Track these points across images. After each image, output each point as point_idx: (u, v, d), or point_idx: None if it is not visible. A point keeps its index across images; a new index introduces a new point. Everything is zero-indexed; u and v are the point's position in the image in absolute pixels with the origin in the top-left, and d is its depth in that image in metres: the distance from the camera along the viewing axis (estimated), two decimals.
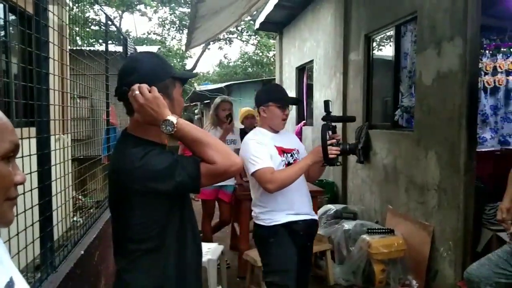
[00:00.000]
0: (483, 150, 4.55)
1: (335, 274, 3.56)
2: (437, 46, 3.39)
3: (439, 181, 3.35)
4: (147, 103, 1.24)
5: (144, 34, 22.24)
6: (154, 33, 22.10)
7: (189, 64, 21.89)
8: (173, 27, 21.32)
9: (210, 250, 3.31)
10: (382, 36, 4.90)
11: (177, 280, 1.37)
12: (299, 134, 7.34)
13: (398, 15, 4.10)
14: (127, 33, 18.23)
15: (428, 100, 3.53)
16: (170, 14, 20.93)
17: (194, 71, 21.74)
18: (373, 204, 4.63)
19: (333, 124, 2.19)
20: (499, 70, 5.35)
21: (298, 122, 7.85)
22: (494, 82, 5.34)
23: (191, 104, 15.96)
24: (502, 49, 5.37)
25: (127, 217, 1.32)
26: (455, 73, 3.15)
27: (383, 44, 5.23)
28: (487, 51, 5.35)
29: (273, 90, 2.51)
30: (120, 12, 19.74)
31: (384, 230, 3.64)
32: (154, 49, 11.30)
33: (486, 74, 5.34)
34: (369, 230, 3.63)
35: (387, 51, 4.90)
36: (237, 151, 4.13)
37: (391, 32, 4.45)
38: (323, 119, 2.20)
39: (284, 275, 2.21)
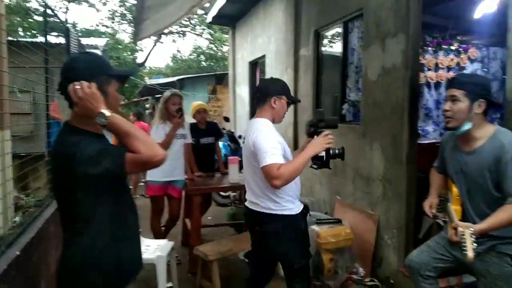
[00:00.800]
0: (425, 142, 4.80)
1: None
2: (381, 42, 3.51)
3: (384, 172, 3.49)
4: (85, 97, 1.45)
5: (92, 26, 21.36)
6: (103, 25, 21.27)
7: (140, 58, 21.26)
8: (123, 20, 20.61)
9: (159, 247, 3.25)
10: (331, 32, 5.01)
11: (112, 260, 1.57)
12: None
13: (346, 11, 4.20)
14: (73, 25, 17.42)
15: (373, 95, 3.66)
16: (120, 6, 20.22)
17: (145, 65, 21.23)
18: (322, 196, 4.75)
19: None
20: (440, 66, 5.64)
21: (251, 117, 7.86)
22: (436, 78, 5.64)
23: (142, 98, 15.55)
24: (443, 46, 5.66)
25: (64, 197, 1.54)
26: (398, 69, 3.29)
27: (332, 40, 5.36)
28: (429, 48, 5.62)
29: (286, 85, 2.52)
30: (66, 2, 18.79)
31: (332, 220, 3.74)
32: (102, 41, 10.85)
33: (429, 70, 5.61)
34: (318, 221, 3.71)
35: (336, 47, 5.02)
36: (187, 145, 4.12)
37: (339, 28, 4.56)
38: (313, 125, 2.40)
39: (309, 255, 2.48)
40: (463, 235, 1.85)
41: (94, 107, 1.45)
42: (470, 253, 1.79)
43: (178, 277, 3.42)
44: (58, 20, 4.16)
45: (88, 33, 18.70)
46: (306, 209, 2.48)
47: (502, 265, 2.03)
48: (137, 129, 1.51)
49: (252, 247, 2.62)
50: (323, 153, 2.34)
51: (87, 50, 1.84)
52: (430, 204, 2.35)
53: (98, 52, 9.41)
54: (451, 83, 2.14)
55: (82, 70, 1.50)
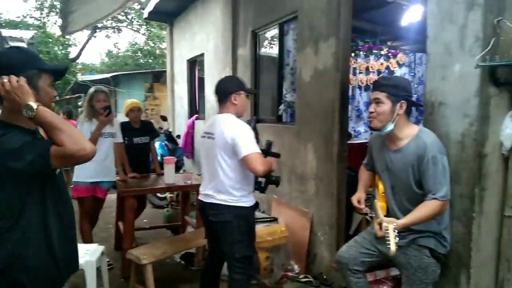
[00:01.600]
0: (357, 142, 5.02)
1: None
2: (314, 45, 3.61)
3: (316, 170, 3.60)
4: (12, 90, 1.43)
5: (18, 17, 19.80)
6: (31, 17, 19.81)
7: (73, 53, 20.12)
8: (53, 11, 19.35)
9: (88, 252, 3.08)
10: (268, 33, 5.07)
11: (42, 260, 1.54)
12: (192, 127, 7.27)
13: (281, 13, 4.27)
14: None
15: (306, 96, 3.75)
16: None
17: (77, 61, 20.14)
18: (261, 195, 4.78)
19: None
20: (371, 70, 5.94)
21: (190, 116, 7.76)
22: (367, 81, 5.92)
23: (74, 96, 14.73)
24: (374, 51, 5.96)
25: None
26: (329, 71, 3.40)
27: (270, 41, 5.43)
28: (361, 52, 5.90)
29: (241, 80, 2.73)
30: None
31: (268, 219, 3.80)
32: (28, 34, 10.12)
33: (360, 73, 5.89)
34: (255, 220, 3.74)
35: (274, 48, 5.09)
36: (118, 145, 3.95)
37: (275, 30, 4.63)
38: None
39: (254, 249, 2.70)
40: (387, 230, 1.95)
41: (22, 99, 1.43)
42: (392, 247, 1.90)
43: (110, 282, 3.27)
44: None
45: (14, 24, 17.33)
46: (256, 205, 2.71)
47: (421, 257, 2.17)
48: (64, 122, 1.47)
49: (207, 238, 2.85)
50: (263, 179, 2.65)
51: (14, 45, 1.75)
52: (358, 199, 2.45)
53: (24, 45, 8.76)
54: (374, 86, 2.25)
55: (10, 64, 1.49)
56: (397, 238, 1.93)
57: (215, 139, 2.53)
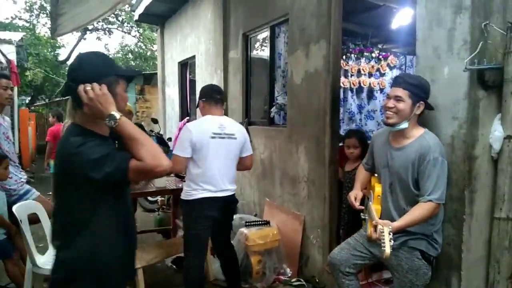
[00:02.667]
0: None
1: (214, 270, 3.58)
2: (305, 47, 3.62)
3: (308, 173, 3.60)
4: (96, 98, 1.44)
5: (7, 18, 19.57)
6: (20, 19, 19.60)
7: (63, 54, 19.93)
8: (43, 13, 19.17)
9: None
10: (259, 36, 5.08)
11: (108, 265, 1.56)
12: None
13: (272, 16, 4.27)
14: None
15: (298, 98, 3.76)
16: None
17: (67, 63, 19.94)
18: (252, 198, 4.79)
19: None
20: (362, 72, 5.96)
21: (181, 118, 7.72)
22: (359, 83, 5.95)
23: (64, 98, 14.58)
24: (365, 54, 5.99)
25: (63, 197, 1.54)
26: (320, 73, 3.41)
27: (262, 43, 5.43)
28: (352, 55, 5.92)
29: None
30: None
31: (260, 222, 3.79)
32: (17, 36, 10.01)
33: (352, 75, 5.91)
34: (247, 223, 3.73)
35: (265, 50, 5.09)
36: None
37: (267, 33, 4.63)
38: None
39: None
40: (382, 232, 1.94)
41: (104, 108, 1.45)
42: (387, 250, 1.89)
43: None
44: None
45: (3, 26, 17.13)
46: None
47: (413, 260, 2.18)
48: (143, 135, 1.48)
49: (213, 240, 3.07)
50: None
51: (95, 50, 1.73)
52: (355, 196, 2.44)
53: (12, 47, 8.67)
54: (397, 82, 2.20)
55: (90, 70, 1.50)
56: (392, 241, 1.93)
57: (237, 139, 2.85)
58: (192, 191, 2.77)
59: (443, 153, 2.11)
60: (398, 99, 2.15)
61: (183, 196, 2.85)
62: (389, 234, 1.93)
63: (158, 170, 1.44)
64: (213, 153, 2.75)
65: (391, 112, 2.17)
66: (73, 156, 1.44)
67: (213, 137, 2.74)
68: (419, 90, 2.16)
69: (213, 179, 2.77)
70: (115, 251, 1.59)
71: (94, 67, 1.52)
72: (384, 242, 1.91)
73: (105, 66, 1.55)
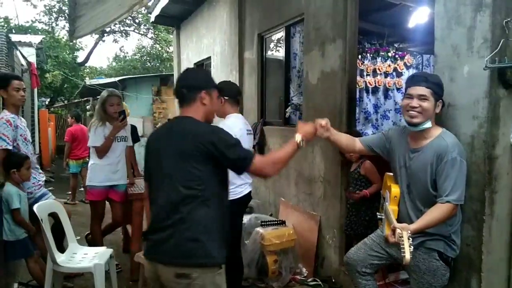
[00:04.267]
0: None
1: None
2: (321, 47, 3.61)
3: (324, 173, 3.59)
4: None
5: (27, 22, 20.03)
6: (39, 22, 20.01)
7: (81, 57, 20.28)
8: (61, 16, 19.53)
9: (97, 254, 3.11)
10: (275, 36, 5.08)
11: (222, 235, 1.87)
12: None
13: (287, 16, 4.28)
14: (6, 20, 16.26)
15: (313, 98, 3.75)
16: (58, 2, 19.13)
17: (85, 65, 20.30)
18: (267, 198, 4.80)
19: None
20: (378, 72, 5.92)
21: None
22: (375, 83, 5.90)
23: (82, 99, 14.84)
24: (381, 53, 5.94)
25: (191, 168, 1.77)
26: (336, 73, 3.40)
27: (277, 44, 5.44)
28: (368, 54, 5.88)
29: None
30: None
31: (276, 222, 3.79)
32: (37, 38, 10.22)
33: (367, 75, 5.87)
34: (263, 223, 3.74)
35: (280, 51, 5.10)
36: (129, 149, 3.97)
37: (282, 33, 4.63)
38: None
39: None
40: (401, 237, 1.89)
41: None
42: (407, 255, 1.83)
43: (118, 285, 3.29)
44: None
45: (23, 30, 17.53)
46: None
47: (430, 260, 2.15)
48: (290, 156, 1.99)
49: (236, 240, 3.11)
50: None
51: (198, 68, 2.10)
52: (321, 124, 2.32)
53: (32, 49, 8.86)
54: (418, 81, 2.16)
55: (202, 80, 2.01)
56: (412, 247, 1.89)
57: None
58: (237, 188, 2.81)
59: (462, 153, 2.07)
60: (422, 98, 2.10)
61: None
62: (409, 239, 1.89)
63: (267, 177, 1.93)
64: (248, 147, 2.94)
65: (416, 112, 2.11)
66: (210, 135, 1.79)
67: (248, 134, 3.01)
68: (439, 89, 2.13)
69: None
70: (221, 230, 1.86)
71: (203, 77, 2.06)
72: (403, 247, 1.86)
73: (208, 78, 2.05)
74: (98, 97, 4.09)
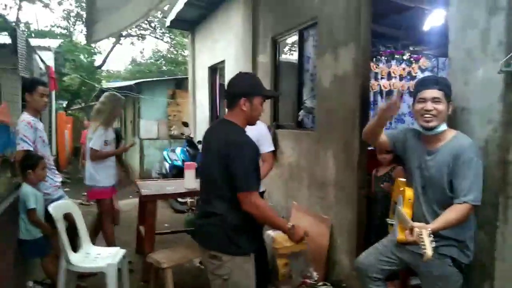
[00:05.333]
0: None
1: None
2: (334, 50, 3.60)
3: (336, 177, 3.57)
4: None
5: (46, 26, 20.46)
6: (58, 26, 20.44)
7: (98, 60, 20.62)
8: (79, 21, 19.92)
9: (110, 255, 3.15)
10: (288, 40, 5.09)
11: (253, 233, 2.16)
12: None
13: (300, 20, 4.28)
14: (26, 25, 16.64)
15: (326, 102, 3.74)
16: (76, 7, 19.53)
17: (102, 68, 20.64)
18: (280, 201, 4.79)
19: None
20: (393, 75, 5.86)
21: (211, 122, 7.83)
22: (390, 86, 5.85)
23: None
24: (395, 56, 5.88)
25: (223, 169, 2.02)
26: (349, 76, 3.39)
27: (290, 47, 5.45)
28: (383, 57, 5.83)
29: None
30: (18, 1, 17.90)
31: None
32: (55, 43, 10.42)
33: (382, 78, 5.81)
34: None
35: (294, 54, 5.11)
36: None
37: (295, 37, 4.64)
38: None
39: None
40: (421, 235, 1.85)
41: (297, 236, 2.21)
42: (429, 252, 1.79)
43: (130, 286, 3.33)
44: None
45: (42, 34, 17.91)
46: None
47: (443, 266, 2.11)
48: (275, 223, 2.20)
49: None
50: None
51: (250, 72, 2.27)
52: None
53: (51, 54, 9.04)
54: (429, 83, 2.14)
55: (244, 87, 2.16)
56: (434, 243, 1.83)
57: None
58: None
59: (478, 153, 2.05)
60: (436, 100, 2.08)
61: None
62: (429, 236, 1.86)
63: (246, 211, 2.03)
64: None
65: (430, 115, 2.09)
66: (234, 149, 2.01)
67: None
68: (449, 90, 2.12)
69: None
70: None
71: (248, 85, 2.17)
72: (424, 244, 1.82)
73: (255, 84, 2.19)
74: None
